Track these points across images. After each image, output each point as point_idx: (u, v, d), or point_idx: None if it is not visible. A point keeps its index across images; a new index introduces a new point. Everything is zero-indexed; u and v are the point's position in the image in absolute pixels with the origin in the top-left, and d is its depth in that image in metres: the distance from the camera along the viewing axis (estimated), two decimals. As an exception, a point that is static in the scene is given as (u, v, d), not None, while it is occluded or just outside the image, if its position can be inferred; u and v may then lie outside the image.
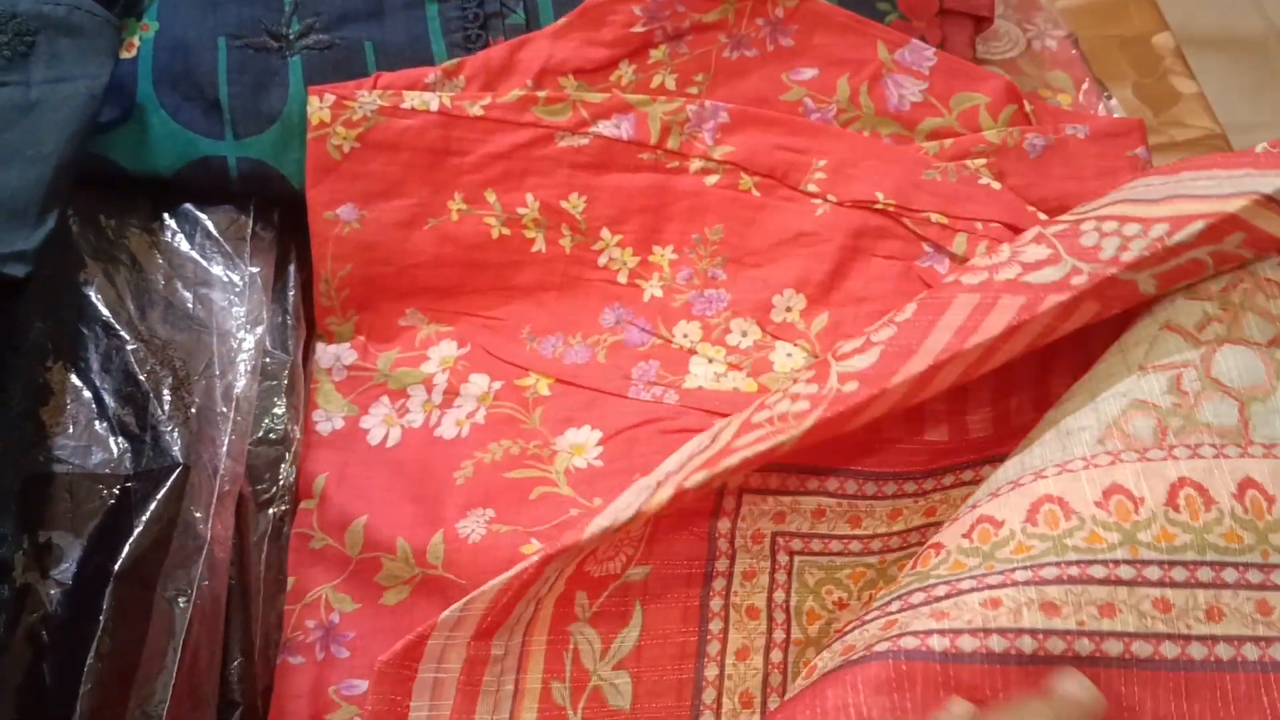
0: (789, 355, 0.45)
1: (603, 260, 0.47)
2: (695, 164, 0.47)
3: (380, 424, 0.45)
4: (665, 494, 0.35)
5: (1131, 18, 0.56)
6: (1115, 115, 0.51)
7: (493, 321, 0.46)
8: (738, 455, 0.35)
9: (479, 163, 0.46)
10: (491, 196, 0.46)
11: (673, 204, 0.47)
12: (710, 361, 0.45)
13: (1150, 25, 0.56)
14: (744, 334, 0.45)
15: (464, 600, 0.35)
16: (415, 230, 0.45)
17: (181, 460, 0.38)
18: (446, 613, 0.35)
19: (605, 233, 0.47)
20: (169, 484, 0.38)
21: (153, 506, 0.37)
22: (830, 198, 0.46)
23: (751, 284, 0.46)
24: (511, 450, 0.44)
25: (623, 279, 0.47)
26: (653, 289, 0.47)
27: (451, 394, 0.45)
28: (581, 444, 0.43)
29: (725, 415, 0.42)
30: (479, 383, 0.45)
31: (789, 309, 0.45)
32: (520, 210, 0.46)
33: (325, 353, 0.45)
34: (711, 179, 0.47)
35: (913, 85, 0.47)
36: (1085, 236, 0.35)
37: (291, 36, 0.45)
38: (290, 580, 0.42)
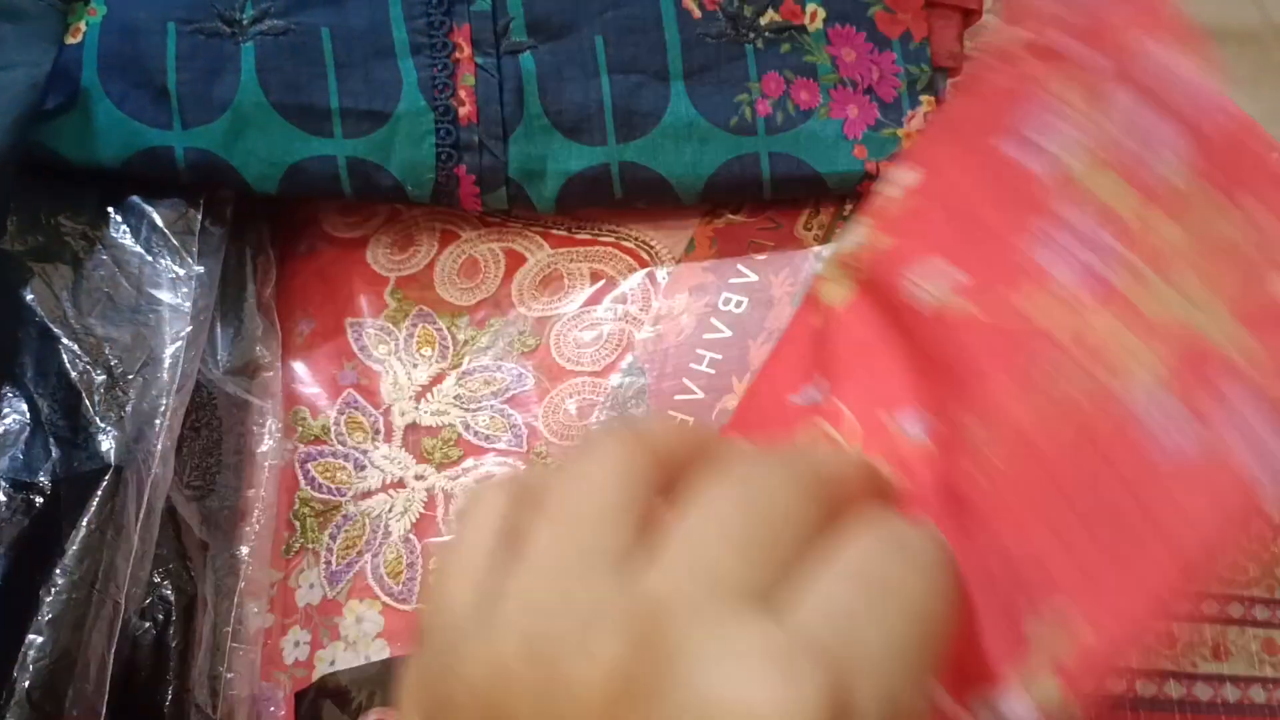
0: None
1: None
2: None
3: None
4: None
5: (1124, 9, 0.54)
6: (1107, 108, 0.50)
7: None
8: None
9: None
10: None
11: None
12: None
13: (1143, 18, 0.54)
14: None
15: None
16: None
17: (114, 462, 0.36)
18: None
19: None
20: (101, 488, 0.35)
21: (84, 511, 0.35)
22: None
23: None
24: None
25: None
26: None
27: None
28: None
29: None
30: None
31: None
32: None
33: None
34: None
35: None
36: None
37: (245, 21, 0.43)
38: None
